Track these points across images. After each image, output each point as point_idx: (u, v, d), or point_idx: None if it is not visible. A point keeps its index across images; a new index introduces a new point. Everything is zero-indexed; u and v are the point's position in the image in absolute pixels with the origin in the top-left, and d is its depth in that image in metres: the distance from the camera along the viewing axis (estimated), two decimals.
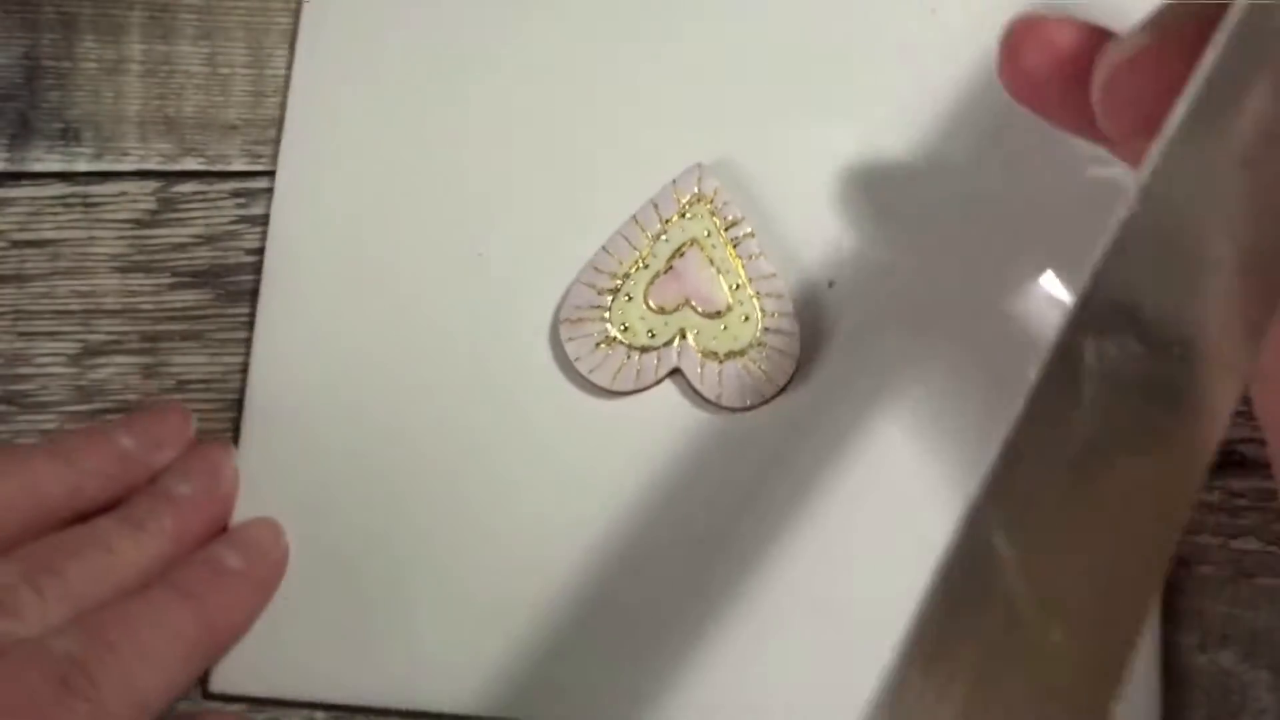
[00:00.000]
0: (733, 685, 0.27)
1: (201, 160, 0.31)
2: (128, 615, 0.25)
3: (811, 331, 0.29)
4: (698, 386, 0.28)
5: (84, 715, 0.24)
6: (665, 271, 0.29)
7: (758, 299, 0.28)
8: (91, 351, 0.30)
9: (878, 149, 0.29)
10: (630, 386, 0.28)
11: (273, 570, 0.28)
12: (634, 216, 0.29)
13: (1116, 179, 0.29)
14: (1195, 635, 0.28)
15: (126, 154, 0.31)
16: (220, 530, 0.28)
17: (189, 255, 0.31)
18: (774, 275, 0.29)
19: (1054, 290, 0.28)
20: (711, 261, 0.29)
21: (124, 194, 0.31)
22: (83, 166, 0.31)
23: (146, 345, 0.30)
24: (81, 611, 0.25)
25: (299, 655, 0.28)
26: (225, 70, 0.31)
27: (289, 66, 0.31)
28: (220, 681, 0.28)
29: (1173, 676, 0.27)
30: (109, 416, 0.30)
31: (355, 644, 0.28)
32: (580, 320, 0.29)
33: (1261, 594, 0.28)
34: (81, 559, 0.26)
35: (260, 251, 0.30)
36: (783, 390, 0.28)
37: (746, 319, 0.28)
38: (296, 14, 0.32)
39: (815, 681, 0.27)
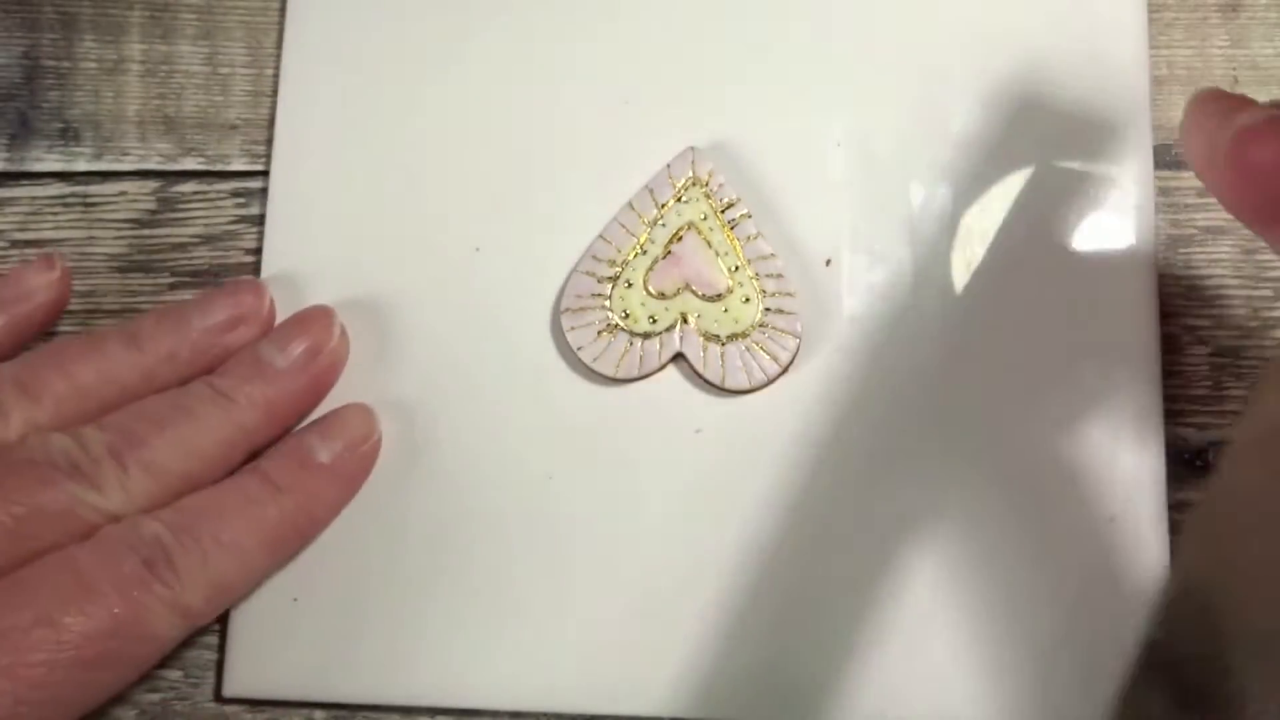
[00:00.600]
0: (734, 671, 0.27)
1: (201, 160, 0.31)
2: (215, 504, 0.26)
3: (812, 311, 0.29)
4: (701, 370, 0.28)
5: (164, 600, 0.24)
6: (664, 257, 0.29)
7: (757, 280, 0.28)
8: None
9: (873, 127, 0.30)
10: (634, 373, 0.28)
11: (361, 464, 0.28)
12: (630, 203, 0.29)
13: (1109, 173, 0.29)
14: None
15: (126, 154, 0.31)
16: (317, 398, 0.28)
17: (189, 255, 0.31)
18: (773, 256, 0.29)
19: (1049, 268, 0.29)
20: (710, 244, 0.29)
21: (124, 194, 0.31)
22: (82, 166, 0.31)
23: None
24: (167, 488, 0.25)
25: (300, 655, 0.28)
26: (225, 70, 0.32)
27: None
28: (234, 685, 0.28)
29: None
30: None
31: (356, 642, 0.28)
32: (581, 309, 0.29)
33: None
34: (167, 430, 0.26)
35: (259, 251, 0.30)
36: (785, 370, 0.28)
37: (747, 300, 0.28)
38: (281, 11, 0.32)
39: (819, 658, 0.27)
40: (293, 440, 0.27)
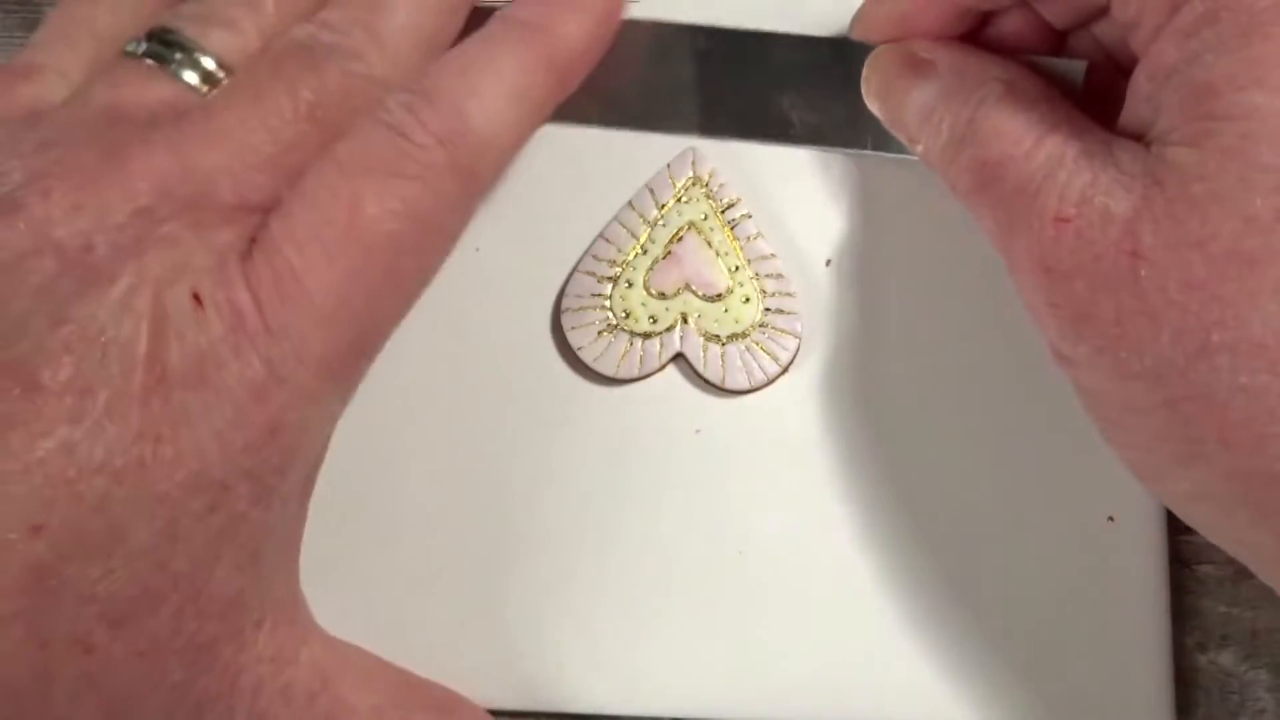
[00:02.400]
0: (738, 664, 0.27)
1: None
2: (464, 62, 0.24)
3: (812, 311, 0.29)
4: (701, 370, 0.28)
5: (436, 164, 0.23)
6: (664, 257, 0.29)
7: (757, 280, 0.29)
8: None
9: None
10: (634, 373, 0.28)
11: None
12: (630, 203, 0.29)
13: None
14: (1195, 635, 0.28)
15: None
16: None
17: None
18: (773, 256, 0.29)
19: None
20: (710, 244, 0.29)
21: None
22: None
23: None
24: (422, 45, 0.24)
25: None
26: None
27: None
28: None
29: (1173, 676, 0.27)
30: None
31: (355, 638, 0.28)
32: (582, 309, 0.29)
33: (1261, 594, 0.28)
34: None
35: None
36: (786, 370, 0.28)
37: (747, 301, 0.29)
38: None
39: (820, 658, 0.27)
40: None
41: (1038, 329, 0.23)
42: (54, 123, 0.22)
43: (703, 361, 0.28)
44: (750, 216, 0.29)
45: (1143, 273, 0.20)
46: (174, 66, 0.23)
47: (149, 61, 0.23)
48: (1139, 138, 0.22)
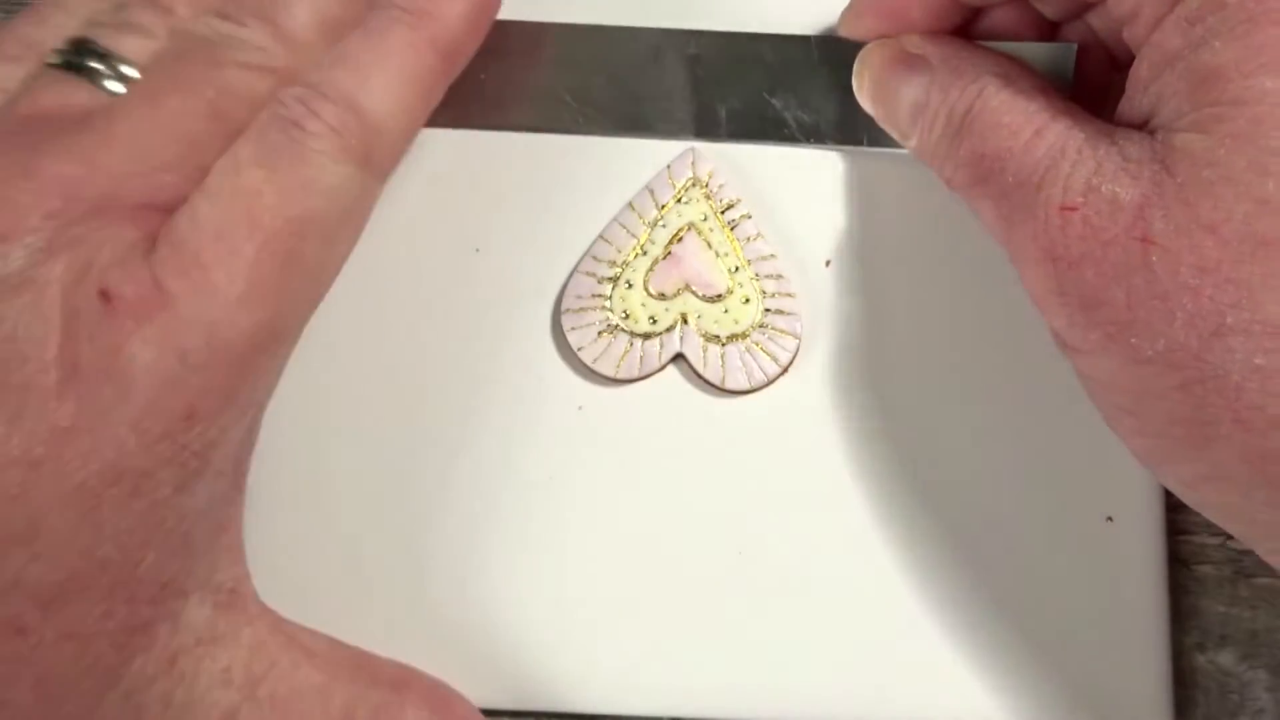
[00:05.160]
0: (737, 664, 0.27)
1: None
2: (350, 52, 0.25)
3: (812, 311, 0.29)
4: (701, 371, 0.28)
5: (325, 152, 0.23)
6: (664, 258, 0.29)
7: (757, 281, 0.29)
8: None
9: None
10: (634, 374, 0.28)
11: None
12: (630, 203, 0.29)
13: None
14: (1195, 635, 0.28)
15: None
16: None
17: None
18: (773, 256, 0.29)
19: None
20: (710, 245, 0.29)
21: None
22: None
23: None
24: (320, 34, 0.25)
25: None
26: None
27: None
28: None
29: (1172, 676, 0.27)
30: None
31: (355, 638, 0.28)
32: (582, 310, 0.29)
33: (1261, 594, 0.28)
34: None
35: None
36: (785, 371, 0.28)
37: (747, 301, 0.29)
38: None
39: (819, 658, 0.27)
40: None
41: (1044, 319, 0.23)
42: None
43: (703, 362, 0.28)
44: (750, 217, 0.29)
45: (1154, 258, 0.21)
46: (89, 75, 0.24)
47: (66, 71, 0.24)
48: (1140, 125, 0.22)
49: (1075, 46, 0.26)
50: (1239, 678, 0.28)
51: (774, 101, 0.29)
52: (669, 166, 0.29)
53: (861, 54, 0.28)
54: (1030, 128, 0.23)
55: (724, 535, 0.28)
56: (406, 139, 0.25)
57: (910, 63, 0.26)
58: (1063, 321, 0.23)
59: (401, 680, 0.26)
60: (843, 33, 0.28)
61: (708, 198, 0.29)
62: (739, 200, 0.29)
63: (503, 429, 0.29)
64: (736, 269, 0.29)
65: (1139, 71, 0.22)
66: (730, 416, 0.29)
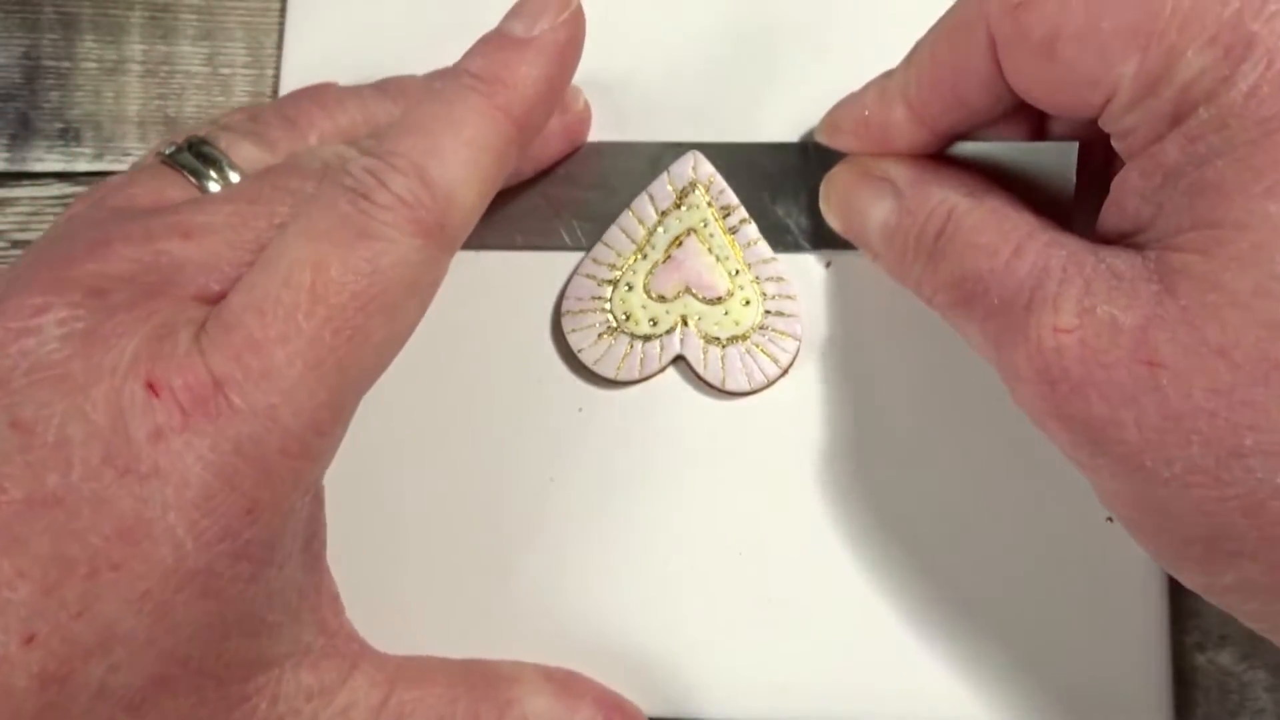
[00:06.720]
0: (737, 664, 0.27)
1: None
2: (420, 120, 0.24)
3: (812, 313, 0.29)
4: (701, 372, 0.28)
5: (393, 224, 0.22)
6: (664, 261, 0.29)
7: (757, 284, 0.29)
8: None
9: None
10: (634, 375, 0.28)
11: (568, 33, 0.25)
12: (630, 208, 0.29)
13: None
14: (1194, 635, 0.28)
15: (127, 154, 0.31)
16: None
17: None
18: (773, 259, 0.29)
19: None
20: (710, 249, 0.29)
21: None
22: (83, 166, 0.31)
23: None
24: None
25: None
26: (225, 70, 0.32)
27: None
28: None
29: (1172, 676, 0.27)
30: None
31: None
32: (582, 312, 0.29)
33: None
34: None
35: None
36: (785, 372, 0.28)
37: (747, 304, 0.29)
38: (282, 11, 0.32)
39: (819, 659, 0.27)
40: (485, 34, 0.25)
41: (1048, 439, 0.23)
42: (69, 220, 0.23)
43: (703, 363, 0.28)
44: (750, 221, 0.29)
45: (1164, 381, 0.20)
46: (193, 172, 0.24)
47: (173, 167, 0.24)
48: (1126, 234, 0.22)
49: (1076, 145, 0.25)
50: (1239, 678, 0.28)
51: (776, 209, 0.29)
52: (669, 170, 0.29)
53: (828, 176, 0.27)
54: (1008, 246, 0.22)
55: (724, 536, 0.28)
56: (478, 210, 0.24)
57: (877, 185, 0.26)
58: (1068, 444, 0.22)
59: (510, 676, 0.25)
60: (820, 140, 0.28)
61: (709, 202, 0.29)
62: (739, 204, 0.29)
63: (502, 430, 0.29)
64: (737, 272, 0.29)
65: (1129, 179, 0.22)
66: (730, 418, 0.29)
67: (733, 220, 0.29)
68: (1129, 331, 0.20)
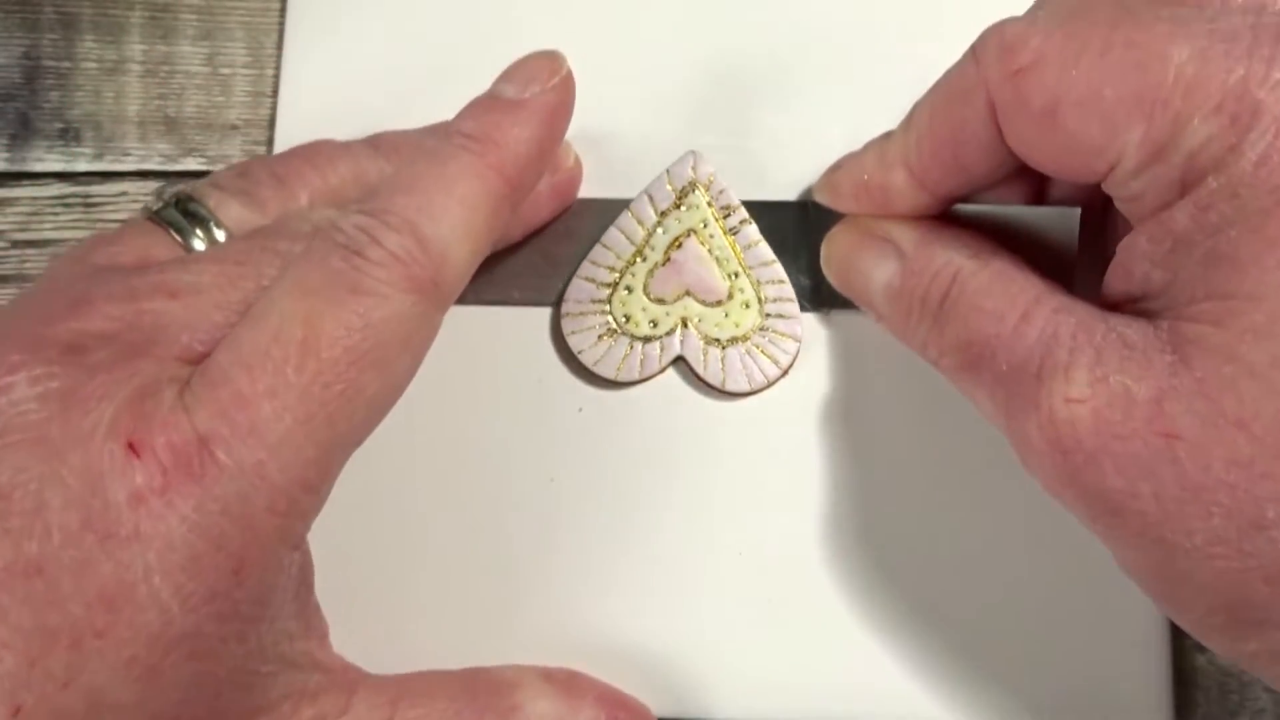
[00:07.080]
0: (737, 664, 0.28)
1: (202, 160, 0.31)
2: (413, 178, 0.23)
3: (812, 314, 0.29)
4: (701, 373, 0.28)
5: (387, 280, 0.22)
6: (664, 263, 0.29)
7: (758, 286, 0.29)
8: None
9: (873, 128, 0.30)
10: (635, 376, 0.29)
11: (558, 97, 0.25)
12: (629, 209, 0.29)
13: None
14: None
15: (127, 154, 0.31)
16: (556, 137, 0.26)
17: None
18: (773, 261, 0.29)
19: None
20: (710, 251, 0.29)
21: (124, 194, 0.31)
22: (83, 166, 0.31)
23: None
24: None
25: None
26: (225, 70, 0.32)
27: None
28: None
29: (1172, 676, 0.27)
30: None
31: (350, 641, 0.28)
32: (582, 314, 0.29)
33: None
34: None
35: None
36: (786, 373, 0.28)
37: (747, 305, 0.29)
38: (282, 11, 0.32)
39: (819, 659, 0.27)
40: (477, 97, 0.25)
41: (1062, 507, 0.22)
42: (51, 277, 0.23)
43: (703, 364, 0.28)
44: (751, 221, 0.29)
45: (1181, 453, 0.20)
46: (179, 230, 0.24)
47: (158, 224, 0.24)
48: (1133, 299, 0.22)
49: (1079, 211, 0.25)
50: (1239, 678, 0.28)
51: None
52: (668, 170, 0.29)
53: (829, 236, 0.27)
54: (1015, 312, 0.22)
55: (724, 536, 0.28)
56: (471, 267, 0.24)
57: (879, 247, 0.25)
58: (1083, 513, 0.22)
59: (511, 682, 0.25)
60: (818, 200, 0.27)
61: (709, 203, 0.29)
62: (739, 204, 0.29)
63: (503, 431, 0.29)
64: (737, 274, 0.29)
65: (1138, 244, 0.21)
66: (730, 418, 0.29)
67: (733, 221, 0.29)
68: (1143, 403, 0.20)
